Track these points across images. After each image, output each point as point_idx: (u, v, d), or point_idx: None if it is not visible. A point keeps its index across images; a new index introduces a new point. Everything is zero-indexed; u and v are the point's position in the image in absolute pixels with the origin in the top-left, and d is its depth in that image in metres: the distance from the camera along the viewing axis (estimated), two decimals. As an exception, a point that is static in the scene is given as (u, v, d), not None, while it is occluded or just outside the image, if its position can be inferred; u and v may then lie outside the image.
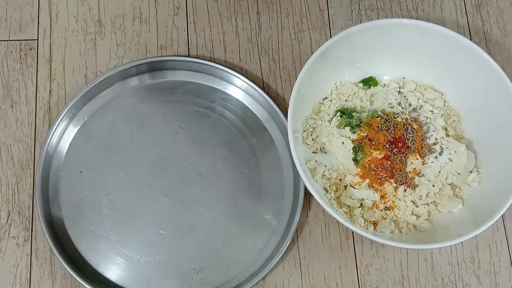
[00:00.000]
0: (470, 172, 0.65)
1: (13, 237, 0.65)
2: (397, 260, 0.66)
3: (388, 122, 0.64)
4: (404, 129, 0.64)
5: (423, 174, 0.64)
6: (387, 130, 0.64)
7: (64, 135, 0.68)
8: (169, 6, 0.74)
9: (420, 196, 0.64)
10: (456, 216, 0.64)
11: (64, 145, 0.68)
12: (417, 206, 0.64)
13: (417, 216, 0.64)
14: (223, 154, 0.68)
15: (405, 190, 0.64)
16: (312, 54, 0.62)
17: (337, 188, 0.64)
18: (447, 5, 0.75)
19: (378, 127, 0.64)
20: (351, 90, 0.68)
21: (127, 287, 0.64)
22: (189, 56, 0.72)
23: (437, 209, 0.64)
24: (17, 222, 0.66)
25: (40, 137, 0.69)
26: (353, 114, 0.65)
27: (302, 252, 0.66)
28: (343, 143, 0.64)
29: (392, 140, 0.64)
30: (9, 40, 0.72)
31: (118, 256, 0.64)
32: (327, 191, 0.64)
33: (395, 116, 0.65)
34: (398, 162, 0.64)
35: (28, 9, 0.73)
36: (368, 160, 0.64)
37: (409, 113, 0.67)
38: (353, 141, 0.64)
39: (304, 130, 0.66)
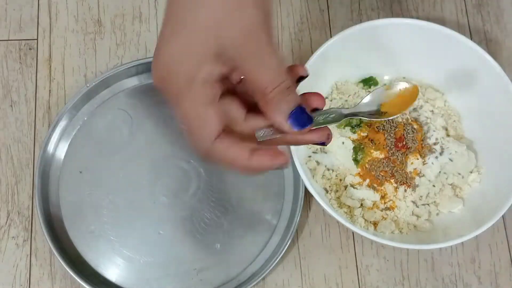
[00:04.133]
0: (471, 172, 0.65)
1: (13, 237, 0.65)
2: (397, 260, 0.66)
3: (389, 122, 0.64)
4: (405, 129, 0.64)
5: (423, 174, 0.64)
6: (387, 130, 0.64)
7: (63, 135, 0.68)
8: (169, 6, 0.74)
9: (421, 196, 0.64)
10: (456, 216, 0.64)
11: (64, 145, 0.67)
12: (417, 206, 0.64)
13: (418, 216, 0.64)
14: (223, 154, 0.68)
15: (405, 190, 0.64)
16: (312, 54, 0.62)
17: (337, 188, 0.64)
18: (448, 5, 0.75)
19: (378, 127, 0.64)
20: (351, 90, 0.68)
21: (127, 287, 0.64)
22: (189, 56, 0.72)
23: (437, 209, 0.64)
24: (17, 223, 0.66)
25: (40, 137, 0.68)
26: (353, 114, 0.65)
27: (302, 252, 0.66)
28: (343, 143, 0.64)
29: (392, 140, 0.64)
30: (9, 40, 0.72)
31: (118, 256, 0.64)
32: (327, 191, 0.64)
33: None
34: (398, 162, 0.63)
35: (27, 9, 0.73)
36: (368, 160, 0.64)
37: (409, 113, 0.66)
38: (353, 141, 0.64)
39: (304, 130, 0.65)
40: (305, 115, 0.40)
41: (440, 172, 0.64)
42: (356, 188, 0.64)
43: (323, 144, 0.43)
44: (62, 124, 0.67)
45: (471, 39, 0.69)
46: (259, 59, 0.38)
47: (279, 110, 0.39)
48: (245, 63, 0.38)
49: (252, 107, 0.41)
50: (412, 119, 0.66)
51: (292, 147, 0.59)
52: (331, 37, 0.63)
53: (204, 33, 0.37)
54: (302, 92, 0.42)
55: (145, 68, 0.70)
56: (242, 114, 0.41)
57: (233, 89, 0.42)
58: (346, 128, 0.65)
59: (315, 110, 0.43)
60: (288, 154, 0.43)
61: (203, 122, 0.39)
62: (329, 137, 0.43)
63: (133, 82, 0.70)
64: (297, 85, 0.43)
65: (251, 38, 0.37)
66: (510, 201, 0.58)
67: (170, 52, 0.38)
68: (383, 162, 0.63)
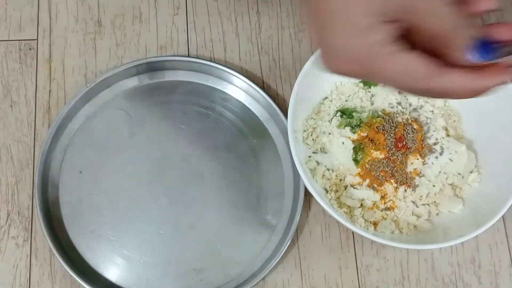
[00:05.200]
0: (471, 172, 0.65)
1: (13, 237, 0.65)
2: (397, 260, 0.66)
3: (389, 122, 0.64)
4: (405, 129, 0.64)
5: (423, 174, 0.64)
6: (387, 131, 0.64)
7: (63, 135, 0.68)
8: (169, 6, 0.74)
9: (421, 196, 0.64)
10: (456, 216, 0.64)
11: (64, 145, 0.68)
12: (417, 206, 0.64)
13: (418, 216, 0.64)
14: (223, 154, 0.68)
15: (405, 190, 0.64)
16: (312, 54, 0.62)
17: (337, 188, 0.64)
18: (448, 5, 0.75)
19: (378, 127, 0.64)
20: (351, 90, 0.68)
21: (127, 287, 0.64)
22: (189, 56, 0.72)
23: (437, 209, 0.64)
24: (17, 223, 0.66)
25: (40, 137, 0.68)
26: (353, 114, 0.65)
27: (302, 252, 0.66)
28: (343, 143, 0.64)
29: (392, 140, 0.64)
30: (9, 40, 0.72)
31: (118, 256, 0.64)
32: (327, 191, 0.64)
33: (396, 116, 0.65)
34: (398, 162, 0.63)
35: (27, 9, 0.73)
36: (368, 160, 0.64)
37: (409, 113, 0.66)
38: (353, 141, 0.64)
39: (304, 130, 0.66)
40: (488, 47, 0.41)
41: (440, 172, 0.64)
42: (356, 188, 0.64)
43: None
44: (62, 124, 0.67)
45: (471, 39, 0.69)
46: (429, 10, 0.39)
47: (457, 47, 0.40)
48: (416, 18, 0.39)
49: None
50: (412, 119, 0.66)
51: (292, 147, 0.59)
52: (331, 37, 0.63)
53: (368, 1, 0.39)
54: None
55: (145, 68, 0.70)
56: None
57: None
58: (346, 128, 0.65)
59: (499, 43, 0.43)
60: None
61: (411, 68, 0.40)
62: None
63: (133, 82, 0.70)
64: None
65: None
66: (510, 201, 0.58)
67: (340, 36, 0.40)
68: (383, 162, 0.63)
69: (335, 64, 0.43)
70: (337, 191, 0.64)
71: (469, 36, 0.41)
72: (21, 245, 0.65)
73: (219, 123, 0.69)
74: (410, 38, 0.41)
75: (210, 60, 0.70)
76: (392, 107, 0.66)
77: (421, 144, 0.64)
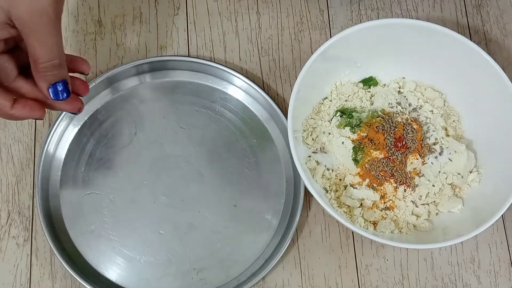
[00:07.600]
0: (470, 172, 0.65)
1: (13, 237, 0.65)
2: (397, 260, 0.66)
3: (388, 122, 0.64)
4: (404, 129, 0.64)
5: (423, 174, 0.64)
6: (387, 130, 0.64)
7: (64, 135, 0.68)
8: (169, 6, 0.74)
9: (420, 196, 0.64)
10: (456, 216, 0.64)
11: (64, 145, 0.68)
12: (417, 206, 0.64)
13: (417, 216, 0.64)
14: (223, 154, 0.68)
15: (405, 190, 0.64)
16: (312, 54, 0.62)
17: (337, 188, 0.64)
18: (447, 5, 0.75)
19: (377, 127, 0.64)
20: (351, 90, 0.68)
21: (127, 287, 0.64)
22: (189, 56, 0.72)
23: (437, 209, 0.64)
24: (17, 222, 0.66)
25: (40, 137, 0.69)
26: (353, 114, 0.65)
27: (302, 252, 0.66)
28: (343, 143, 0.64)
29: (392, 140, 0.64)
30: (9, 40, 0.72)
31: (118, 256, 0.64)
32: (327, 191, 0.64)
33: (395, 116, 0.66)
34: (398, 162, 0.64)
35: (28, 9, 0.73)
36: (368, 160, 0.64)
37: (409, 113, 0.67)
38: (353, 141, 0.64)
39: (304, 130, 0.66)
40: (64, 90, 0.51)
41: (439, 172, 0.64)
42: (356, 188, 0.64)
43: (75, 113, 0.54)
44: (62, 124, 0.67)
45: (471, 39, 0.69)
46: (40, 36, 0.47)
47: (44, 79, 0.49)
48: (28, 36, 0.47)
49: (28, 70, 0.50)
50: (412, 119, 0.66)
51: (292, 147, 0.59)
52: (331, 37, 0.63)
53: None
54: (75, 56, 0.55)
55: (145, 68, 0.70)
56: (14, 74, 0.51)
57: (17, 49, 0.52)
58: (346, 128, 0.65)
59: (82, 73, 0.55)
60: (44, 109, 0.52)
61: None
62: (80, 110, 0.54)
63: (133, 82, 0.70)
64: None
65: (37, 17, 0.46)
66: (510, 201, 0.59)
67: None
68: (383, 162, 0.63)
69: None
70: (336, 190, 0.64)
71: (57, 76, 0.49)
72: (21, 244, 0.65)
73: (219, 123, 0.69)
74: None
75: (210, 60, 0.71)
76: (391, 107, 0.66)
77: (421, 144, 0.65)
